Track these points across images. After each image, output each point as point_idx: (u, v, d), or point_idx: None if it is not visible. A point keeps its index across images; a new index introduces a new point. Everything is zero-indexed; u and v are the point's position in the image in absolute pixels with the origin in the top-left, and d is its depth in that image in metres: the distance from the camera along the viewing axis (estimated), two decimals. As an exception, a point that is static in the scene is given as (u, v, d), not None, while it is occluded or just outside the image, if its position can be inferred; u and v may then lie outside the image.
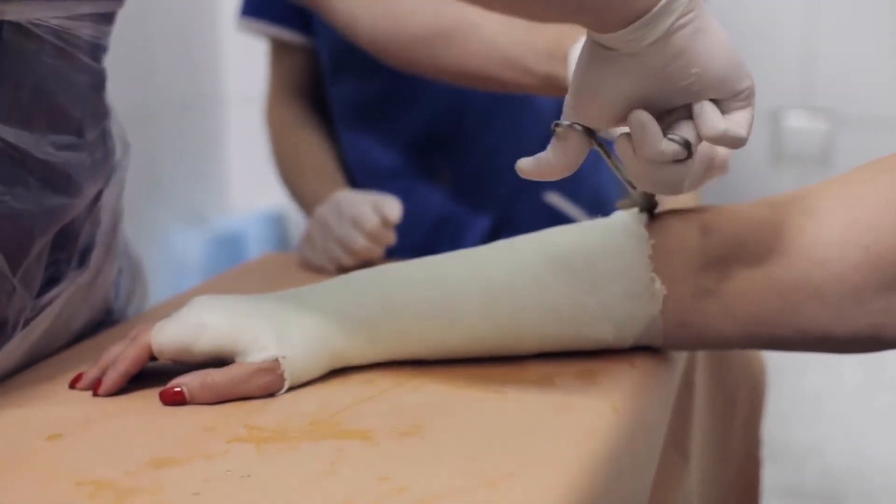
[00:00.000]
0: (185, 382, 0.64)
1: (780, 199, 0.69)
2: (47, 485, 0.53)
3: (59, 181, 0.69)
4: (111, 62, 0.91)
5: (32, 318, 0.70)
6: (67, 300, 0.74)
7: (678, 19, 0.58)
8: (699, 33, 0.59)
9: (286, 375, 0.65)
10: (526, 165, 0.65)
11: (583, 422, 0.61)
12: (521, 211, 1.31)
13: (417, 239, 1.30)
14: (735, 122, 0.62)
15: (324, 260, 1.04)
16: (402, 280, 0.69)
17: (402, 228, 1.20)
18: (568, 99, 0.64)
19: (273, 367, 0.64)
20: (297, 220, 2.09)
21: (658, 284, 0.68)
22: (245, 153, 2.12)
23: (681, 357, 0.79)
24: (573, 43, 0.90)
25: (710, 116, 0.62)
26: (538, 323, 0.68)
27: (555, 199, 1.31)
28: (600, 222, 0.71)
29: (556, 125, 0.64)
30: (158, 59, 1.89)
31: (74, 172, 0.71)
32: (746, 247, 0.67)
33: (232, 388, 0.64)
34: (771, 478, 1.62)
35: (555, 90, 0.94)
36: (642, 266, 0.68)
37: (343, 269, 1.01)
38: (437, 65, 0.99)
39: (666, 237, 0.68)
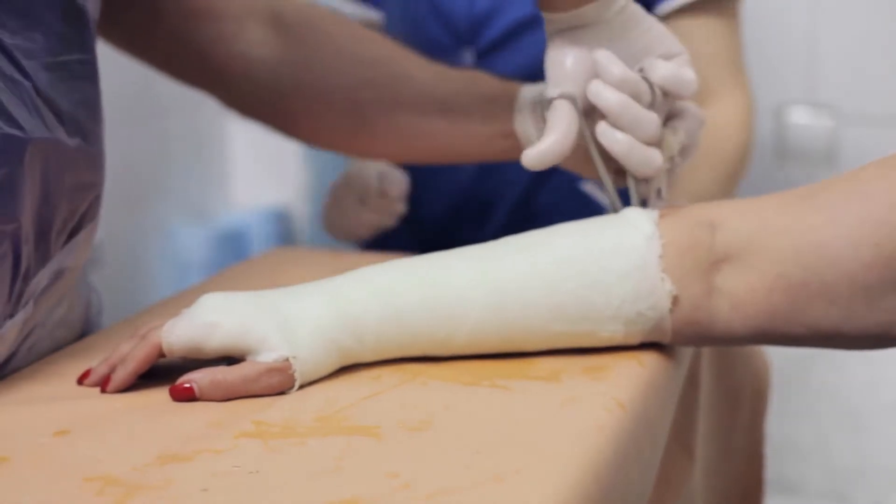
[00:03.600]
0: (196, 379, 0.64)
1: (789, 195, 0.68)
2: (55, 481, 0.53)
3: (86, 140, 0.70)
4: (116, 59, 0.91)
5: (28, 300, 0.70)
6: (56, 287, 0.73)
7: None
8: (639, 7, 0.76)
9: (296, 376, 0.65)
10: (528, 155, 0.73)
11: (589, 418, 0.61)
12: (549, 194, 1.30)
13: (440, 214, 1.31)
14: (683, 69, 0.75)
15: (337, 231, 1.05)
16: (411, 279, 0.69)
17: (428, 202, 1.23)
18: (547, 79, 0.75)
19: (284, 368, 0.64)
20: (300, 216, 2.09)
21: (668, 284, 0.68)
22: (248, 149, 2.12)
23: (687, 354, 0.79)
24: (517, 90, 0.87)
25: (660, 64, 0.75)
26: (546, 322, 0.68)
27: (590, 188, 1.31)
28: (611, 220, 0.71)
29: (547, 100, 0.74)
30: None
31: (94, 142, 0.71)
32: (757, 244, 0.67)
33: (242, 386, 0.64)
34: (776, 474, 1.62)
35: (496, 139, 0.87)
36: (653, 266, 0.68)
37: (356, 238, 1.03)
38: (364, 124, 0.90)
39: (676, 235, 0.68)
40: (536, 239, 0.71)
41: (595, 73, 0.74)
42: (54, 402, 0.65)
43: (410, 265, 0.70)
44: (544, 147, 0.73)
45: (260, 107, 0.94)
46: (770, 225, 0.67)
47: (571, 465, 0.55)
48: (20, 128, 0.64)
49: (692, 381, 0.86)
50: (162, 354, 0.66)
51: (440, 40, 1.26)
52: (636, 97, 0.73)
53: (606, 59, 0.73)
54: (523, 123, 0.85)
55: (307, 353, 0.65)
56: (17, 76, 0.64)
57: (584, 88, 0.74)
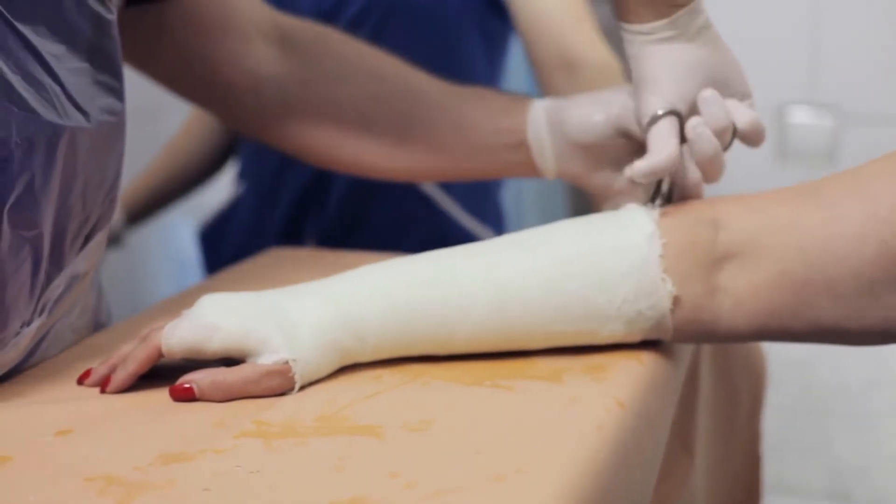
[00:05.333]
0: (196, 380, 0.64)
1: (792, 191, 0.69)
2: (57, 480, 0.53)
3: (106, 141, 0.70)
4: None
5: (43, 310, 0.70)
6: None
7: (707, 18, 0.74)
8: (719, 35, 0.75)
9: (297, 378, 0.65)
10: (638, 168, 0.73)
11: (590, 417, 0.61)
12: (393, 192, 1.35)
13: (286, 205, 1.40)
14: (760, 119, 0.75)
15: None
16: (413, 278, 0.69)
17: (277, 195, 1.37)
18: (642, 95, 0.74)
19: (284, 370, 0.64)
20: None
21: (669, 285, 0.68)
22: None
23: (687, 353, 0.79)
24: (528, 102, 0.88)
25: (745, 110, 0.74)
26: (547, 322, 0.68)
27: (429, 188, 1.35)
28: (612, 219, 0.71)
29: (650, 120, 0.73)
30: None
31: (115, 150, 0.71)
32: (760, 242, 0.67)
33: (242, 388, 0.64)
34: (776, 474, 1.62)
35: (507, 151, 0.88)
36: (653, 266, 0.68)
37: None
38: (373, 140, 0.91)
39: (677, 235, 0.68)
40: (538, 238, 0.71)
41: (687, 92, 0.74)
42: (56, 402, 0.65)
43: (411, 264, 0.70)
44: (656, 162, 0.72)
45: (268, 125, 0.93)
46: (773, 222, 0.67)
47: (572, 464, 0.55)
48: (52, 128, 0.64)
49: (692, 381, 0.86)
50: (162, 356, 0.66)
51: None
52: (721, 140, 0.74)
53: (713, 101, 0.73)
54: (537, 135, 0.86)
55: (308, 355, 0.65)
56: (48, 79, 0.64)
57: (684, 97, 0.74)
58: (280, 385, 0.64)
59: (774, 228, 0.67)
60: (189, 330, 0.65)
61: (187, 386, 0.64)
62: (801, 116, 1.75)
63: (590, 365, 0.69)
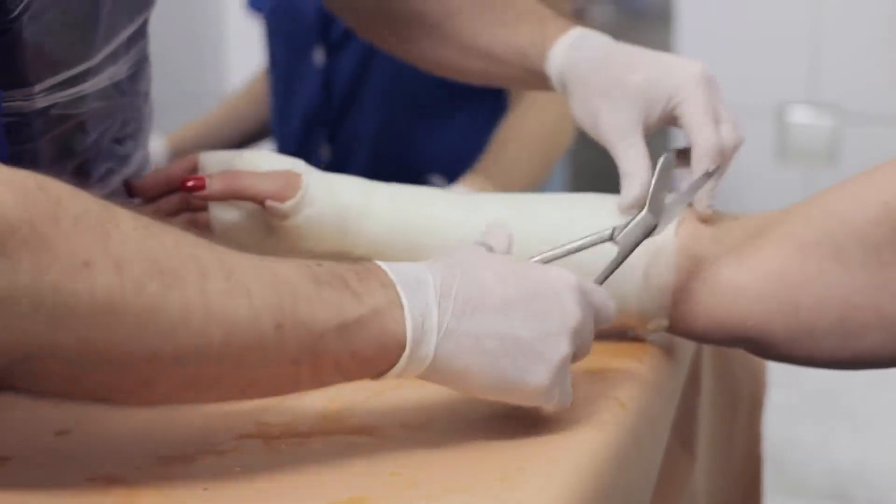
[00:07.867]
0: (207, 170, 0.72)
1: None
2: (57, 480, 0.53)
3: None
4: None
5: None
6: None
7: (432, 353, 0.56)
8: (466, 354, 0.56)
9: (301, 190, 0.70)
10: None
11: (590, 417, 0.61)
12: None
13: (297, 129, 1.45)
14: None
15: None
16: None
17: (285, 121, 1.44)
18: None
19: (293, 177, 0.70)
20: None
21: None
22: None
23: (687, 353, 0.79)
24: (552, 43, 0.85)
25: None
26: None
27: (439, 183, 1.37)
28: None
29: None
30: (163, 55, 1.89)
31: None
32: (770, 215, 0.69)
33: (248, 179, 0.70)
34: (776, 475, 1.62)
35: (535, 84, 0.89)
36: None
37: None
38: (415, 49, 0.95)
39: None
40: (548, 215, 0.73)
41: None
42: (56, 402, 0.64)
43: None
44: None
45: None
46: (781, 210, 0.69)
47: (572, 463, 0.55)
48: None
49: (693, 382, 0.86)
50: (195, 170, 0.73)
51: (294, 35, 1.38)
52: None
53: None
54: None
55: (319, 184, 0.71)
56: None
57: None
58: (284, 186, 0.70)
59: (782, 211, 0.69)
60: (226, 153, 0.74)
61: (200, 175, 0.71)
62: (801, 116, 1.75)
63: (590, 365, 0.68)
